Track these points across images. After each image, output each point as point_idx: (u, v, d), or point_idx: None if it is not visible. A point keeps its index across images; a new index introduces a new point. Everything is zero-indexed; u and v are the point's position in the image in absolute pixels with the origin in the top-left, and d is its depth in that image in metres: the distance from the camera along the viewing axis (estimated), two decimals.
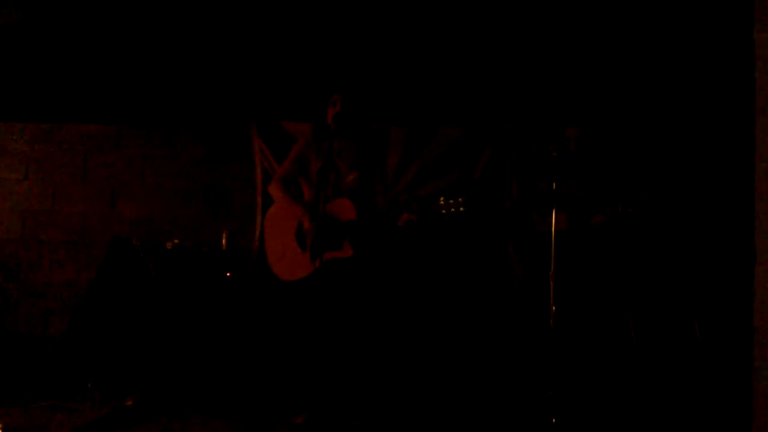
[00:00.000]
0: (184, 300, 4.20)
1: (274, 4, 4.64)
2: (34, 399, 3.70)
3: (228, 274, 4.39)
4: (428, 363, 4.17)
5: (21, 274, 5.02)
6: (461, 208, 3.17)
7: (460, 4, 4.58)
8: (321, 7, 4.65)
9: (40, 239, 5.10)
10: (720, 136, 4.18)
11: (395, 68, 4.82)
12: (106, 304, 4.25)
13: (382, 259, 3.58)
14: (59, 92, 4.99)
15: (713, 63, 4.25)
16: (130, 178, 5.16)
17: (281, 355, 3.91)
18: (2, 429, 2.78)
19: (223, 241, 4.63)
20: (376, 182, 3.61)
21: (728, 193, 3.91)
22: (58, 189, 5.15)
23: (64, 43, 4.79)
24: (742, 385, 2.47)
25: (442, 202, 3.19)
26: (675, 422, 3.51)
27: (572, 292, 3.50)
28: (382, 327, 3.77)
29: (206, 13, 4.65)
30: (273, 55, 4.88)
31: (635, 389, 3.63)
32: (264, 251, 3.68)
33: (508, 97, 4.77)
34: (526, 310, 3.79)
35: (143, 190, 5.16)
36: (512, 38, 4.64)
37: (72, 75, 4.92)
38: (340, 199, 3.44)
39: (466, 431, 3.52)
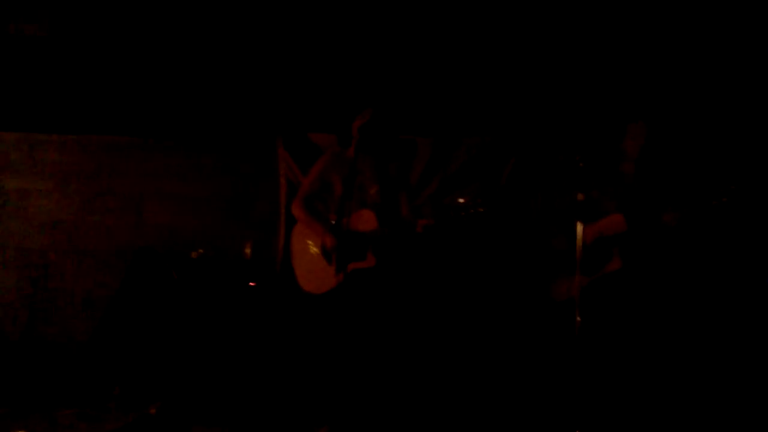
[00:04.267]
0: (208, 309, 4.22)
1: (302, 17, 4.68)
2: (60, 405, 3.74)
3: (252, 284, 4.41)
4: (454, 373, 4.13)
5: (49, 283, 5.09)
6: (479, 209, 3.16)
7: (485, 17, 4.58)
8: (347, 20, 4.68)
9: (67, 249, 5.17)
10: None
11: (420, 79, 4.84)
12: (131, 313, 4.29)
13: (404, 266, 3.57)
14: (86, 104, 5.08)
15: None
16: (156, 188, 5.21)
17: (304, 366, 3.90)
18: None
19: (247, 251, 4.65)
20: (399, 194, 3.60)
21: None
22: (85, 199, 5.21)
23: (91, 56, 4.87)
24: None
25: (460, 203, 3.19)
26: None
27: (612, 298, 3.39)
28: (406, 337, 3.74)
29: (233, 25, 4.70)
30: (298, 66, 4.92)
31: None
32: (290, 266, 3.70)
33: (533, 106, 4.75)
34: (555, 319, 3.68)
35: (168, 201, 5.20)
36: (540, 46, 4.63)
37: (99, 87, 5.00)
38: (361, 211, 3.44)
39: None
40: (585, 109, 4.59)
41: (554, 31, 4.55)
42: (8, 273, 5.13)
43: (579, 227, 3.03)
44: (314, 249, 3.58)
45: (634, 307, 3.35)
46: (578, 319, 2.92)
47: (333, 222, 3.48)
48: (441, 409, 3.85)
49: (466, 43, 4.72)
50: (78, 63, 4.87)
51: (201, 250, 4.51)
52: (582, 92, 4.64)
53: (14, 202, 5.23)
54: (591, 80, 4.61)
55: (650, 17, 4.37)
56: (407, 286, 3.68)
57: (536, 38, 4.64)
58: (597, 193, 3.47)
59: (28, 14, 4.59)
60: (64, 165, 5.24)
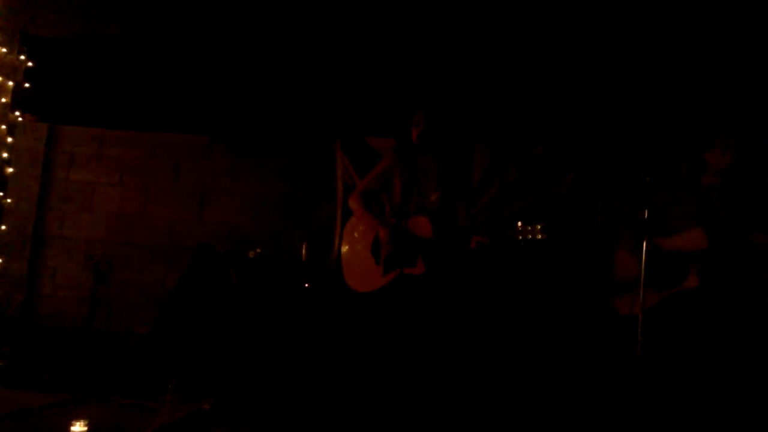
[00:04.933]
0: (264, 308, 4.26)
1: (362, 22, 4.69)
2: (118, 396, 3.81)
3: (306, 286, 4.44)
4: (500, 387, 4.08)
5: (111, 275, 5.23)
6: (539, 236, 3.07)
7: (548, 23, 4.50)
8: (407, 26, 4.67)
9: (130, 241, 5.31)
10: None
11: (480, 85, 4.78)
12: (189, 308, 4.35)
13: (453, 280, 3.51)
14: (154, 102, 5.18)
15: None
16: (217, 186, 5.32)
17: (354, 368, 3.90)
18: (87, 425, 2.87)
19: (303, 252, 4.69)
20: (459, 202, 3.56)
21: None
22: (150, 194, 5.35)
23: (159, 56, 4.97)
24: None
25: (519, 228, 3.10)
26: None
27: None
28: (450, 347, 3.68)
29: (294, 30, 4.74)
30: (358, 71, 4.93)
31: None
32: (340, 263, 3.70)
33: (596, 117, 4.65)
34: (606, 340, 3.57)
35: (229, 199, 5.30)
36: (603, 57, 4.52)
37: (166, 86, 5.09)
38: (418, 217, 3.41)
39: None
40: (660, 119, 4.44)
41: (625, 36, 4.41)
42: (73, 264, 5.30)
43: (644, 245, 2.94)
44: (365, 247, 3.57)
45: (706, 330, 3.19)
46: (640, 337, 2.83)
47: (391, 223, 3.45)
48: (491, 425, 3.80)
49: (528, 50, 4.65)
50: (147, 61, 4.97)
51: (258, 250, 4.56)
52: (657, 101, 4.49)
53: (80, 194, 5.41)
54: (671, 88, 4.44)
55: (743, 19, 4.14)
56: (456, 298, 3.61)
57: (604, 43, 4.51)
58: (677, 209, 3.34)
59: (101, 13, 4.71)
60: (130, 160, 5.39)
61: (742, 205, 3.29)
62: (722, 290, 3.20)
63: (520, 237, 3.09)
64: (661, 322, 3.14)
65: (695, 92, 4.39)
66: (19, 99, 4.62)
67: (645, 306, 2.89)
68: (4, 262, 4.47)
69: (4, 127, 4.46)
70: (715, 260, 3.18)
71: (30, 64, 4.66)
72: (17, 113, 4.61)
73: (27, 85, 4.65)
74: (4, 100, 4.49)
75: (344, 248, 3.69)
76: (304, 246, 4.69)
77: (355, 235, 3.66)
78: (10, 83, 4.53)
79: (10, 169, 4.50)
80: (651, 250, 2.95)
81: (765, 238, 3.08)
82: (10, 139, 4.51)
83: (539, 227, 3.05)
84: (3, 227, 4.44)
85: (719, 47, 4.25)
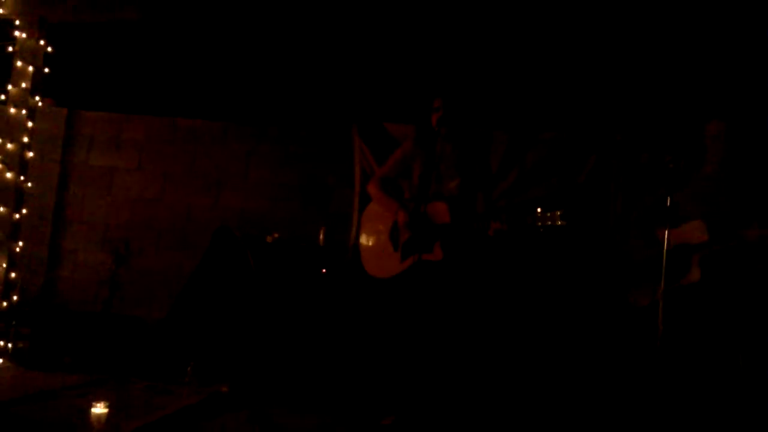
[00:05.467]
0: (281, 293, 4.28)
1: (382, 7, 4.67)
2: (137, 378, 3.85)
3: (323, 271, 4.45)
4: (517, 373, 4.08)
5: (130, 259, 5.27)
6: (558, 222, 3.03)
7: (567, 10, 4.46)
8: (426, 10, 4.64)
9: (148, 226, 5.34)
10: None
11: (499, 70, 4.76)
12: (207, 292, 4.38)
13: (471, 266, 3.49)
14: (172, 87, 5.20)
15: None
16: (235, 172, 5.32)
17: (371, 354, 3.91)
18: (107, 406, 2.89)
19: (321, 237, 4.70)
20: (478, 189, 3.53)
21: None
22: (168, 179, 5.38)
23: (177, 40, 4.99)
24: None
25: (538, 214, 3.06)
26: None
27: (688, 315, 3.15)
28: (467, 334, 3.67)
29: (313, 15, 4.73)
30: (375, 57, 4.92)
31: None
32: (358, 248, 3.69)
33: (616, 103, 4.61)
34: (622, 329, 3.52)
35: (246, 184, 5.31)
36: (619, 42, 4.48)
37: (184, 71, 5.12)
38: (436, 203, 3.38)
39: None
40: (672, 106, 4.39)
41: (645, 19, 4.36)
42: (93, 247, 5.36)
43: (664, 233, 2.89)
44: (383, 232, 3.56)
45: (710, 323, 3.12)
46: (660, 327, 2.80)
47: (409, 208, 3.43)
48: (508, 409, 3.80)
49: (548, 35, 4.61)
50: (165, 46, 4.99)
51: (276, 234, 4.57)
52: (669, 86, 4.44)
53: (99, 179, 5.44)
54: (680, 72, 4.39)
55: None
56: (474, 285, 3.58)
57: (620, 31, 4.47)
58: (680, 199, 3.23)
59: None
60: (148, 145, 5.42)
61: (740, 197, 3.19)
62: (724, 284, 3.11)
63: (540, 223, 3.04)
64: (669, 315, 3.06)
65: (714, 78, 4.34)
66: (38, 84, 4.64)
67: (659, 297, 2.83)
68: (24, 245, 4.50)
69: (24, 111, 4.48)
70: (716, 253, 3.09)
71: (49, 49, 4.68)
72: (37, 98, 4.62)
73: (46, 70, 4.67)
74: (24, 84, 4.51)
75: (362, 234, 3.68)
76: (321, 231, 4.70)
77: (373, 221, 3.64)
78: (30, 68, 4.54)
79: (30, 154, 4.52)
80: (656, 241, 2.89)
81: (757, 234, 2.98)
82: (30, 124, 4.53)
83: (559, 214, 3.00)
84: (23, 211, 4.46)
85: (722, 30, 4.20)
